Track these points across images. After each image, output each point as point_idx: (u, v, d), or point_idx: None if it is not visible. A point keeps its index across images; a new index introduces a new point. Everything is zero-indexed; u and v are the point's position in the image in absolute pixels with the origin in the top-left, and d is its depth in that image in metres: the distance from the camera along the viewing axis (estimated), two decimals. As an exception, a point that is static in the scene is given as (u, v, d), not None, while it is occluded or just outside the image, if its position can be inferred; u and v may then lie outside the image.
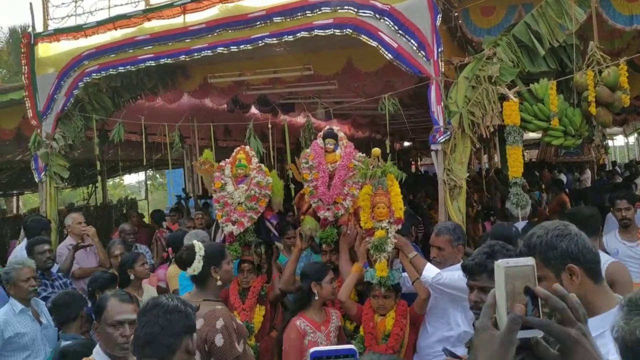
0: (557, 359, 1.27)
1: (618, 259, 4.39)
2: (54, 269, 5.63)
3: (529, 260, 1.27)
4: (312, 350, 1.44)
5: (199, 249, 3.60)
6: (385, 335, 3.84)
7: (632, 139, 25.05)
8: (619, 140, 24.69)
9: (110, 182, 20.61)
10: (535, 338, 1.27)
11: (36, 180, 7.13)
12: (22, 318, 4.29)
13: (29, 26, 20.20)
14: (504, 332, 1.22)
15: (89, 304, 4.39)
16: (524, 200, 5.13)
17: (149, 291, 5.09)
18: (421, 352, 3.90)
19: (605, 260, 3.63)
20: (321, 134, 4.83)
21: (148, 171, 19.49)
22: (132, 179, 30.32)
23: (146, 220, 11.15)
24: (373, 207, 3.92)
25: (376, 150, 4.10)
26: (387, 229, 3.86)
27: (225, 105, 9.53)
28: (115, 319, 2.79)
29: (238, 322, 3.61)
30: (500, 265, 1.25)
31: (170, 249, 5.95)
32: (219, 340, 3.29)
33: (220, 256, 3.67)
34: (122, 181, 31.40)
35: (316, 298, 3.99)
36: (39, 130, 7.00)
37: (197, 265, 3.53)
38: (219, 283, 3.63)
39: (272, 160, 6.68)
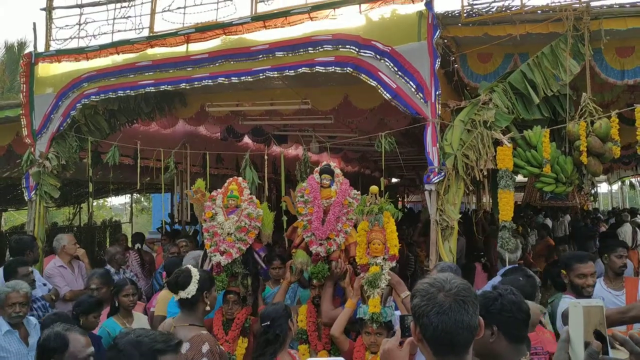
0: None
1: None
2: (38, 292, 5.54)
3: (599, 302, 1.41)
4: None
5: (195, 273, 3.70)
6: (375, 374, 3.82)
7: (615, 187, 25.51)
8: (603, 188, 25.14)
9: (94, 203, 20.41)
10: None
11: (26, 198, 7.08)
12: (8, 339, 4.24)
13: (25, 43, 20.14)
14: None
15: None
16: (512, 245, 5.18)
17: (139, 319, 5.03)
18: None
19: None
20: (318, 169, 4.90)
21: (134, 194, 19.35)
22: (117, 201, 30.14)
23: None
24: (369, 243, 3.97)
25: (374, 188, 4.17)
26: (382, 265, 3.90)
27: (219, 134, 9.59)
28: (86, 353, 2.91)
29: (221, 348, 3.74)
30: (578, 305, 1.38)
31: (165, 273, 5.89)
32: None
33: (211, 282, 3.89)
34: (106, 202, 31.13)
35: (293, 334, 4.02)
36: (32, 149, 6.99)
37: (192, 289, 3.63)
38: (208, 308, 3.77)
39: (265, 191, 6.70)
